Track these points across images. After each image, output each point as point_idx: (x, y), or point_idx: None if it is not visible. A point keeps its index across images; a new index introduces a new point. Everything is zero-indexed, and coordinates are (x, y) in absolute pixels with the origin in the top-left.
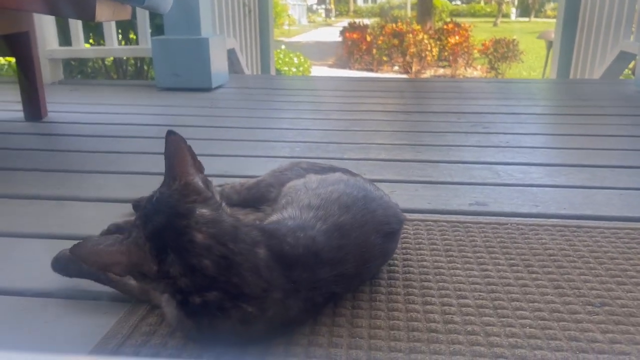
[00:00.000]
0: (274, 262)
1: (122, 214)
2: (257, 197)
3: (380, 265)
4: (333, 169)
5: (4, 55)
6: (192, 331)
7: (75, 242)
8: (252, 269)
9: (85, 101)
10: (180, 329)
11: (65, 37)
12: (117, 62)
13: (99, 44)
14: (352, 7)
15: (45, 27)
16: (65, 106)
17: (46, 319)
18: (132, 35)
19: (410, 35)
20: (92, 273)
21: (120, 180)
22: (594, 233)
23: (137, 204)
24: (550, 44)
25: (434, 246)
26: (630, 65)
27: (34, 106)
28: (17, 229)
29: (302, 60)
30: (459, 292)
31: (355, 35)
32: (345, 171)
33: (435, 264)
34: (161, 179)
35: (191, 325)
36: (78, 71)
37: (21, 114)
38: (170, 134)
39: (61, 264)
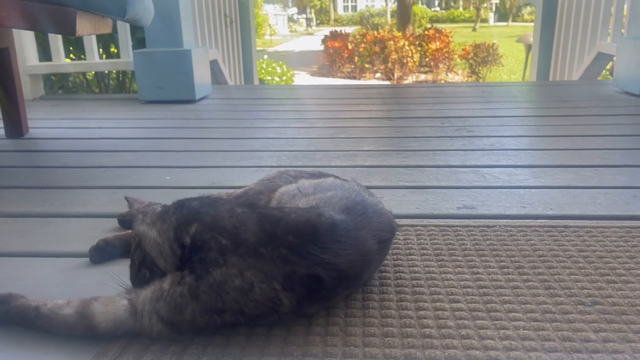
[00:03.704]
0: (254, 214)
1: (109, 228)
2: (246, 205)
3: (372, 273)
4: (322, 175)
5: None
6: (185, 282)
7: (63, 259)
8: (229, 210)
9: (67, 116)
10: (165, 306)
11: (45, 53)
12: (99, 76)
13: (79, 59)
14: (332, 16)
15: (24, 42)
16: (47, 122)
17: (34, 339)
18: (113, 49)
19: (391, 42)
20: (19, 313)
21: (105, 195)
22: (581, 232)
23: (122, 219)
24: (529, 47)
25: (424, 251)
26: (608, 66)
27: (14, 123)
28: (1, 248)
29: (285, 69)
30: (451, 297)
31: (336, 44)
32: (335, 177)
33: (427, 268)
34: (147, 192)
35: (186, 278)
36: (59, 86)
37: (2, 132)
38: None
39: None
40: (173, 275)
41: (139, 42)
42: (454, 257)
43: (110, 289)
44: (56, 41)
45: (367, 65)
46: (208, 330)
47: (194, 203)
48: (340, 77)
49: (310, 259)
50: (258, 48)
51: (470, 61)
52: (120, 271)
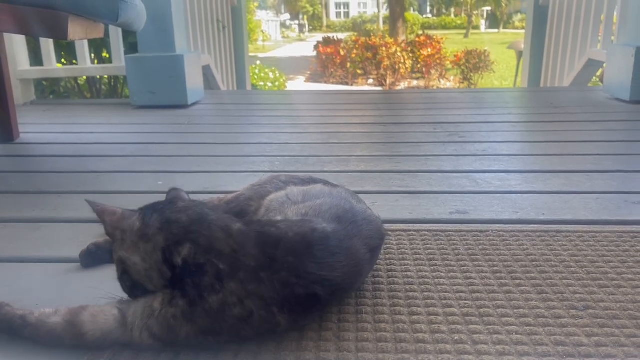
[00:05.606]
0: (251, 234)
1: (100, 234)
2: (236, 212)
3: (363, 280)
4: (312, 181)
5: None
6: (177, 305)
7: (53, 265)
8: (224, 228)
9: (58, 121)
10: (156, 324)
11: (36, 57)
12: (91, 81)
13: (71, 63)
14: (325, 22)
15: (16, 47)
16: (38, 127)
17: (25, 346)
18: (105, 54)
19: (384, 49)
20: (4, 322)
21: (97, 200)
22: (573, 237)
23: None
24: (520, 54)
25: (417, 256)
26: (598, 73)
27: (5, 128)
28: None
29: (278, 75)
30: (444, 301)
31: (329, 50)
32: (325, 182)
33: (420, 273)
34: (139, 197)
35: (177, 300)
36: (50, 91)
37: None
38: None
39: None
40: (163, 293)
41: (131, 46)
42: (447, 262)
43: (101, 294)
44: (48, 46)
45: (359, 71)
46: (202, 347)
47: (182, 218)
48: (332, 83)
49: (308, 278)
50: (251, 54)
51: (462, 67)
52: (111, 276)
